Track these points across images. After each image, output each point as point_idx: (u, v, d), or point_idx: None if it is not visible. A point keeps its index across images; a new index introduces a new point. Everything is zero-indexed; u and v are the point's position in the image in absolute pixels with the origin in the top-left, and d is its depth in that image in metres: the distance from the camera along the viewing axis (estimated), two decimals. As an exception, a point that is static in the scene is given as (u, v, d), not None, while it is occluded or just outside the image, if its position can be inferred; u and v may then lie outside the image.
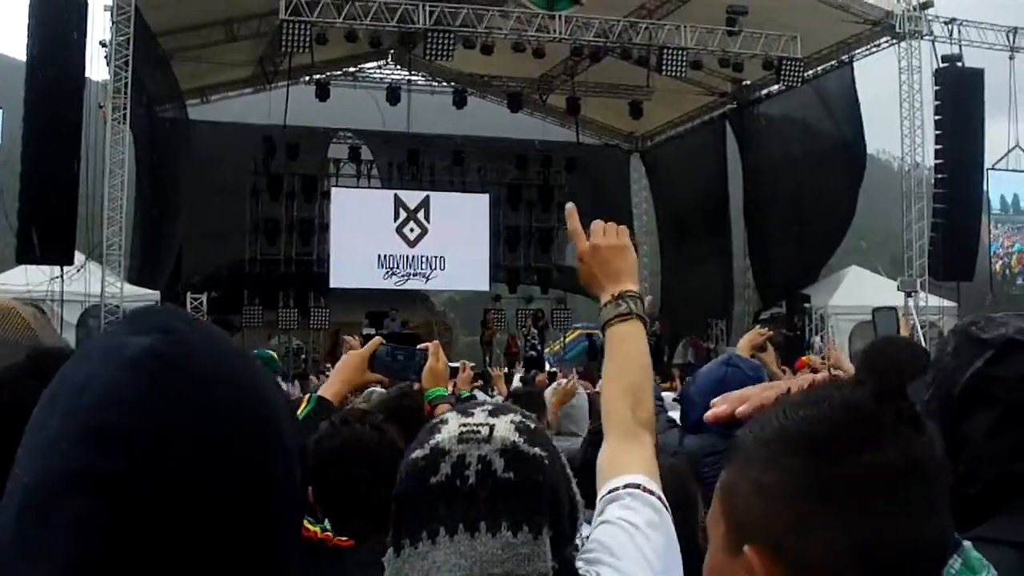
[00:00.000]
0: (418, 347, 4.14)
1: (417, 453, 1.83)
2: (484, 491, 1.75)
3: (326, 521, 3.42)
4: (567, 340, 39.71)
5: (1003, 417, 2.04)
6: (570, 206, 2.78)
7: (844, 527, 1.32)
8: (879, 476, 1.33)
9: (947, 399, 2.11)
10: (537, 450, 1.83)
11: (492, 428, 1.83)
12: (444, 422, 1.87)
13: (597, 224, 2.70)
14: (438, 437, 1.83)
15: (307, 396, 4.03)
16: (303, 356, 33.90)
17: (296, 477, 1.13)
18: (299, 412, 3.90)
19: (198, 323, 1.14)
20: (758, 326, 8.32)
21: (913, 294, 25.65)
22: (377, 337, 4.13)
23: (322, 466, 3.40)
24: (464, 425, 1.84)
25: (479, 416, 1.87)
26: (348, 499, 3.37)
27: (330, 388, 4.00)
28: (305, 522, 3.41)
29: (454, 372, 10.65)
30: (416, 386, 4.66)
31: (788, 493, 1.35)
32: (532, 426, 1.88)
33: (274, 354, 20.79)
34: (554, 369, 25.42)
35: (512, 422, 1.86)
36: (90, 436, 1.02)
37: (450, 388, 9.25)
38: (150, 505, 1.00)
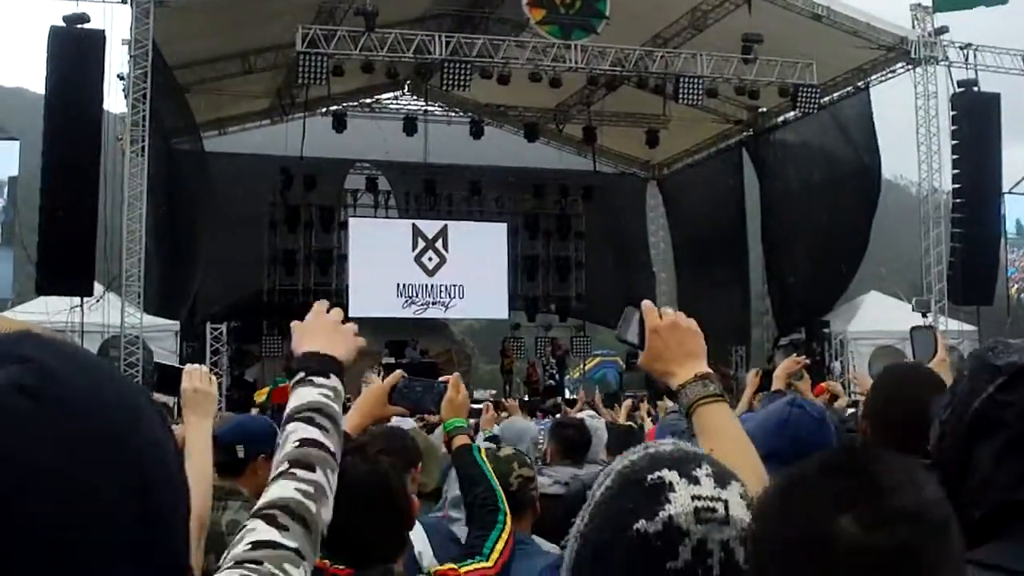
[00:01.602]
0: (439, 380, 4.15)
1: (646, 525, 1.61)
2: None
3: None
4: (587, 368, 39.66)
5: (1010, 444, 2.04)
6: (646, 303, 2.72)
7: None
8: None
9: (959, 424, 2.12)
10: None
11: (727, 505, 1.64)
12: (670, 488, 1.65)
13: (669, 310, 2.69)
14: (671, 510, 1.62)
15: None
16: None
17: (175, 513, 1.05)
18: None
19: (63, 349, 1.04)
20: (794, 354, 8.23)
21: (928, 314, 25.59)
22: (398, 371, 4.13)
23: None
24: (697, 498, 1.63)
25: (707, 485, 1.66)
26: (339, 533, 3.33)
27: (350, 421, 3.94)
28: None
29: (477, 412, 10.66)
30: (436, 417, 4.67)
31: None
32: (746, 489, 1.71)
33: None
34: (573, 396, 25.39)
35: (741, 496, 1.68)
36: None
37: (483, 424, 9.22)
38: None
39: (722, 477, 1.70)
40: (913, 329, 5.45)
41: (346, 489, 3.36)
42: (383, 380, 4.08)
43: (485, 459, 4.10)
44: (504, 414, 14.15)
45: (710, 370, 2.61)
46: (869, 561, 1.34)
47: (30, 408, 0.96)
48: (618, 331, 2.80)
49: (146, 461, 1.01)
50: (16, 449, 0.94)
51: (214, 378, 3.92)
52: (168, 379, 4.04)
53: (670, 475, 1.67)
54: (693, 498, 1.63)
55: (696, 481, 1.66)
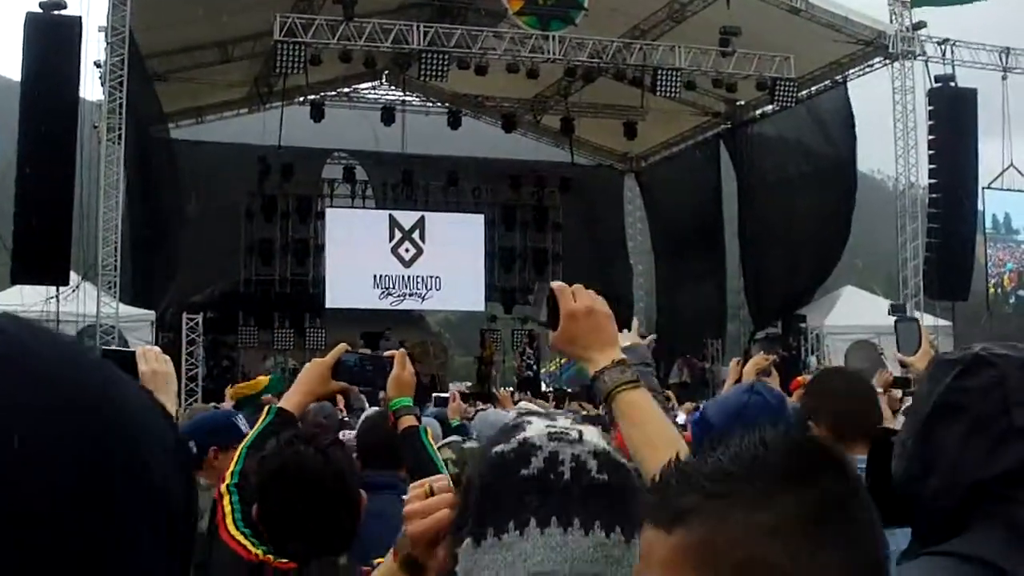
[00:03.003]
0: (384, 354, 4.09)
1: (503, 447, 1.75)
2: (578, 488, 1.68)
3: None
4: (563, 361, 39.69)
5: (974, 425, 2.06)
6: (557, 283, 2.73)
7: (841, 549, 1.30)
8: (845, 498, 1.34)
9: (920, 422, 2.14)
10: (625, 460, 1.79)
11: (581, 433, 1.76)
12: (528, 423, 1.80)
13: (581, 288, 2.69)
14: (525, 434, 1.76)
15: (266, 407, 3.99)
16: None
17: (162, 476, 0.99)
18: (257, 425, 3.87)
19: (29, 322, 0.99)
20: (762, 352, 8.31)
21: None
22: (342, 344, 4.07)
23: (263, 486, 3.36)
24: (551, 426, 1.77)
25: (563, 421, 1.81)
26: (286, 520, 3.31)
27: (291, 399, 3.94)
28: (248, 543, 3.39)
29: (444, 401, 10.66)
30: (382, 395, 4.61)
31: (796, 524, 1.31)
32: (613, 443, 1.82)
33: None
34: (548, 389, 25.41)
35: (597, 430, 1.81)
36: None
37: (450, 414, 9.22)
38: None
39: (582, 421, 1.84)
40: (898, 321, 5.49)
41: (299, 478, 3.34)
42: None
43: (432, 441, 4.05)
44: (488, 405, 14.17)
45: (625, 357, 2.63)
46: None
47: None
48: (528, 310, 2.80)
49: (125, 433, 0.96)
50: None
51: (168, 358, 3.89)
52: (123, 365, 3.96)
53: (530, 418, 1.82)
54: (547, 427, 1.77)
55: (553, 419, 1.82)
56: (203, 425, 5.48)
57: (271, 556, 3.30)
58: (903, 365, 5.23)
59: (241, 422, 5.35)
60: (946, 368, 2.16)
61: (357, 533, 3.38)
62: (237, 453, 3.74)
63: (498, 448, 1.75)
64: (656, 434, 2.47)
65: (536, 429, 1.76)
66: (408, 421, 3.98)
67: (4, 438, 0.87)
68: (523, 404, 8.57)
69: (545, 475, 1.69)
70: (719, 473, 1.35)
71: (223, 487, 3.61)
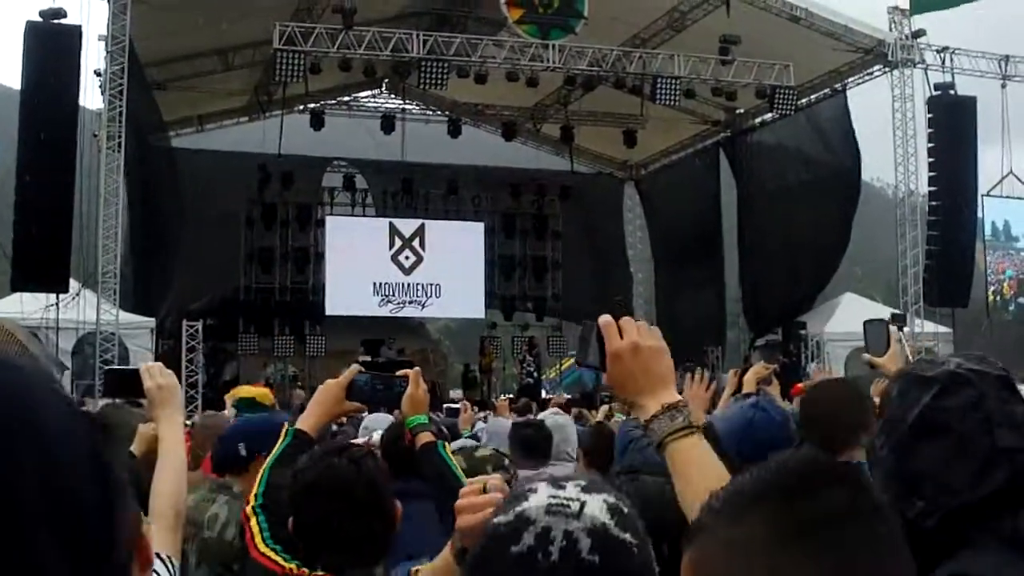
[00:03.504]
0: (397, 374, 4.11)
1: (500, 518, 1.69)
2: (565, 569, 1.59)
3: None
4: (563, 368, 39.69)
5: (959, 445, 2.06)
6: (604, 319, 2.56)
7: (816, 570, 1.31)
8: (840, 516, 1.34)
9: (898, 441, 2.13)
10: (628, 536, 1.67)
11: (583, 505, 1.68)
12: (533, 491, 1.73)
13: (629, 321, 2.54)
14: (525, 505, 1.69)
15: (284, 429, 4.02)
16: (299, 384, 33.87)
17: (73, 480, 0.99)
18: (276, 447, 3.89)
19: None
20: (762, 361, 8.31)
21: (903, 327, 25.64)
22: (354, 366, 4.08)
23: (296, 499, 3.39)
24: (554, 497, 1.69)
25: (571, 490, 1.72)
26: (321, 532, 3.33)
27: (308, 420, 3.97)
28: (279, 558, 3.42)
29: (455, 411, 10.68)
30: (397, 413, 4.62)
31: (758, 545, 1.34)
32: (625, 509, 1.72)
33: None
34: (549, 396, 25.38)
35: (605, 502, 1.71)
36: None
37: (461, 425, 9.23)
38: None
39: (592, 488, 1.74)
40: (866, 323, 5.51)
41: (332, 489, 3.37)
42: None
43: (451, 455, 4.07)
44: (486, 413, 14.16)
45: (679, 397, 2.49)
46: None
47: None
48: (577, 354, 2.66)
49: (36, 441, 0.97)
50: None
51: (171, 372, 3.90)
52: (128, 383, 3.98)
53: (539, 484, 1.75)
54: (549, 497, 1.69)
55: (561, 487, 1.72)
56: (249, 429, 5.44)
57: (306, 570, 3.32)
58: (871, 366, 5.25)
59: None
60: (922, 386, 2.15)
61: (391, 543, 3.39)
62: (259, 475, 3.77)
63: (496, 519, 1.71)
64: (704, 487, 2.32)
65: (537, 500, 1.69)
66: (426, 437, 4.03)
67: None
68: (552, 414, 8.46)
69: (533, 554, 1.63)
70: (727, 494, 1.41)
71: (248, 509, 3.65)
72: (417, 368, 4.15)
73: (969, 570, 1.92)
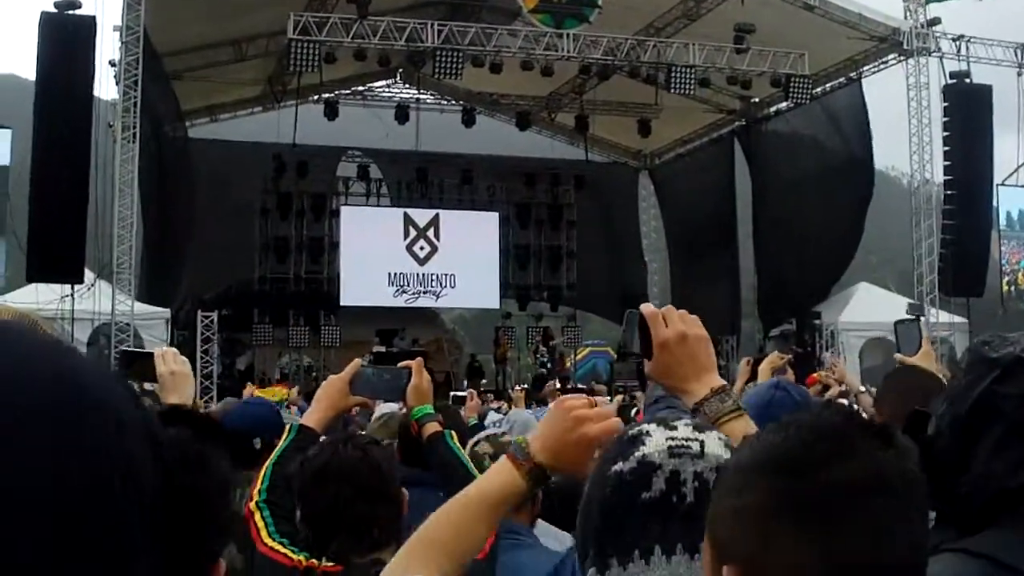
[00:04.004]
0: (400, 365, 4.11)
1: (621, 466, 1.68)
2: (702, 510, 1.56)
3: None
4: (577, 358, 39.65)
5: (1008, 433, 2.05)
6: (647, 307, 2.57)
7: (810, 544, 1.33)
8: (843, 492, 1.35)
9: (958, 417, 2.13)
10: None
11: (703, 444, 1.70)
12: (647, 433, 1.72)
13: (672, 310, 2.55)
14: (644, 449, 1.69)
15: (288, 426, 4.03)
16: (314, 374, 33.94)
17: (141, 465, 0.98)
18: (280, 443, 3.90)
19: (21, 332, 0.98)
20: (776, 351, 8.30)
21: (921, 316, 25.58)
22: (356, 360, 4.09)
23: (305, 486, 3.42)
24: (672, 439, 1.70)
25: (684, 430, 1.73)
26: (330, 518, 3.36)
27: (313, 415, 3.98)
28: (287, 551, 3.43)
29: (461, 400, 10.72)
30: (402, 406, 4.62)
31: (759, 513, 1.36)
32: (734, 444, 1.74)
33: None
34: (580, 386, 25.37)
35: (720, 439, 1.74)
36: None
37: (466, 413, 9.26)
38: None
39: (702, 427, 1.77)
40: (897, 323, 5.47)
41: (338, 474, 3.39)
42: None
43: (458, 445, 4.07)
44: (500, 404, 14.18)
45: (724, 382, 2.50)
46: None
47: None
48: (622, 341, 2.65)
49: (106, 428, 0.95)
50: None
51: (186, 359, 3.91)
52: (141, 366, 3.98)
53: (649, 427, 1.75)
54: (668, 439, 1.70)
55: (673, 428, 1.73)
56: (260, 421, 5.41)
57: (314, 561, 3.34)
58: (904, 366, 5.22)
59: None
60: (986, 367, 2.14)
61: (399, 529, 3.40)
62: (262, 471, 3.78)
63: (616, 467, 1.70)
64: None
65: (655, 444, 1.69)
66: (432, 428, 4.02)
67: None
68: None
69: (667, 498, 1.64)
70: (740, 460, 1.44)
71: (252, 504, 3.65)
72: (420, 359, 4.14)
73: (970, 546, 1.93)
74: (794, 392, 4.69)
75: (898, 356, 5.21)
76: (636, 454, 1.68)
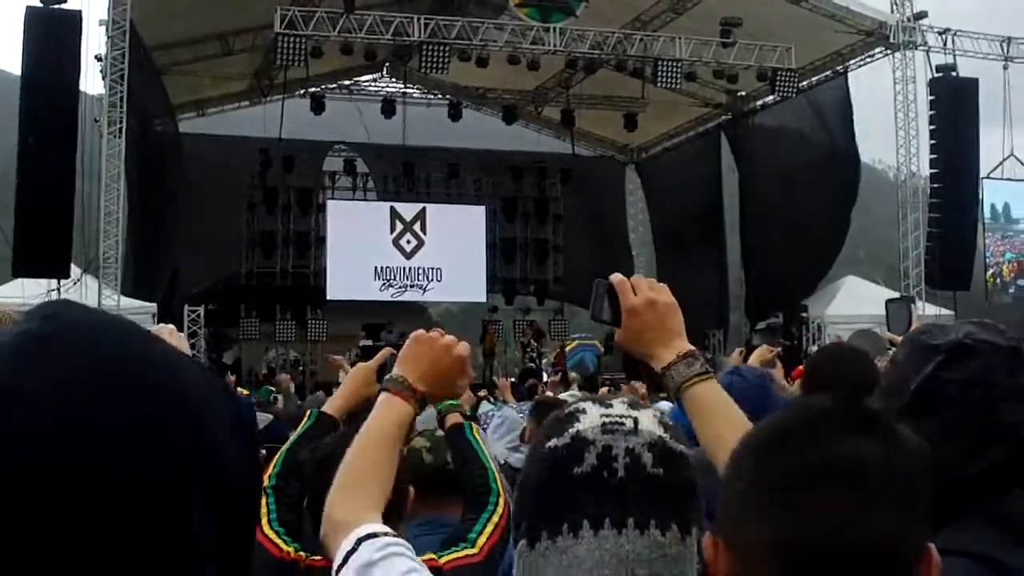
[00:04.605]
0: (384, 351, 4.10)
1: (555, 442, 1.70)
2: (634, 485, 1.63)
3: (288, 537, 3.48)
4: (566, 350, 39.64)
5: (959, 419, 2.06)
6: (616, 276, 2.59)
7: (771, 524, 1.36)
8: (805, 474, 1.37)
9: (898, 409, 2.13)
10: (682, 447, 1.73)
11: (636, 420, 1.71)
12: (581, 411, 1.75)
13: (640, 279, 2.57)
14: (578, 426, 1.71)
15: (308, 412, 4.01)
16: (300, 368, 33.89)
17: (221, 451, 0.99)
18: (298, 429, 3.90)
19: (90, 309, 1.00)
20: (764, 344, 8.36)
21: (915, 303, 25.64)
22: (387, 348, 4.07)
23: (313, 472, 3.41)
24: (606, 416, 1.72)
25: (619, 408, 1.75)
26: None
27: (335, 402, 3.96)
28: (280, 540, 3.43)
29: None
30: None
31: (737, 488, 1.42)
32: (670, 422, 1.78)
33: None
34: (547, 380, 25.36)
35: (655, 416, 1.76)
36: None
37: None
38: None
39: (636, 404, 1.79)
40: (888, 302, 5.53)
41: (337, 463, 3.39)
42: (348, 363, 4.05)
43: (478, 437, 4.07)
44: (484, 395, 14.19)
45: (692, 347, 2.52)
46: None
47: (38, 347, 0.93)
48: (591, 310, 2.68)
49: (186, 412, 0.96)
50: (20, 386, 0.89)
51: (182, 335, 3.89)
52: None
53: (585, 404, 1.78)
54: (602, 416, 1.72)
55: (609, 405, 1.76)
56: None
57: (303, 554, 3.35)
58: (893, 345, 5.25)
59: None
60: (927, 354, 2.15)
61: (402, 518, 3.40)
62: (276, 457, 3.78)
63: (551, 443, 1.72)
64: (727, 428, 2.32)
65: (589, 420, 1.72)
66: (454, 418, 4.01)
67: (75, 423, 0.88)
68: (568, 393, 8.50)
69: (598, 473, 1.65)
70: (745, 438, 1.52)
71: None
72: (416, 332, 4.14)
73: (967, 547, 1.93)
74: (748, 375, 4.77)
75: (887, 335, 5.24)
76: (570, 430, 1.71)
